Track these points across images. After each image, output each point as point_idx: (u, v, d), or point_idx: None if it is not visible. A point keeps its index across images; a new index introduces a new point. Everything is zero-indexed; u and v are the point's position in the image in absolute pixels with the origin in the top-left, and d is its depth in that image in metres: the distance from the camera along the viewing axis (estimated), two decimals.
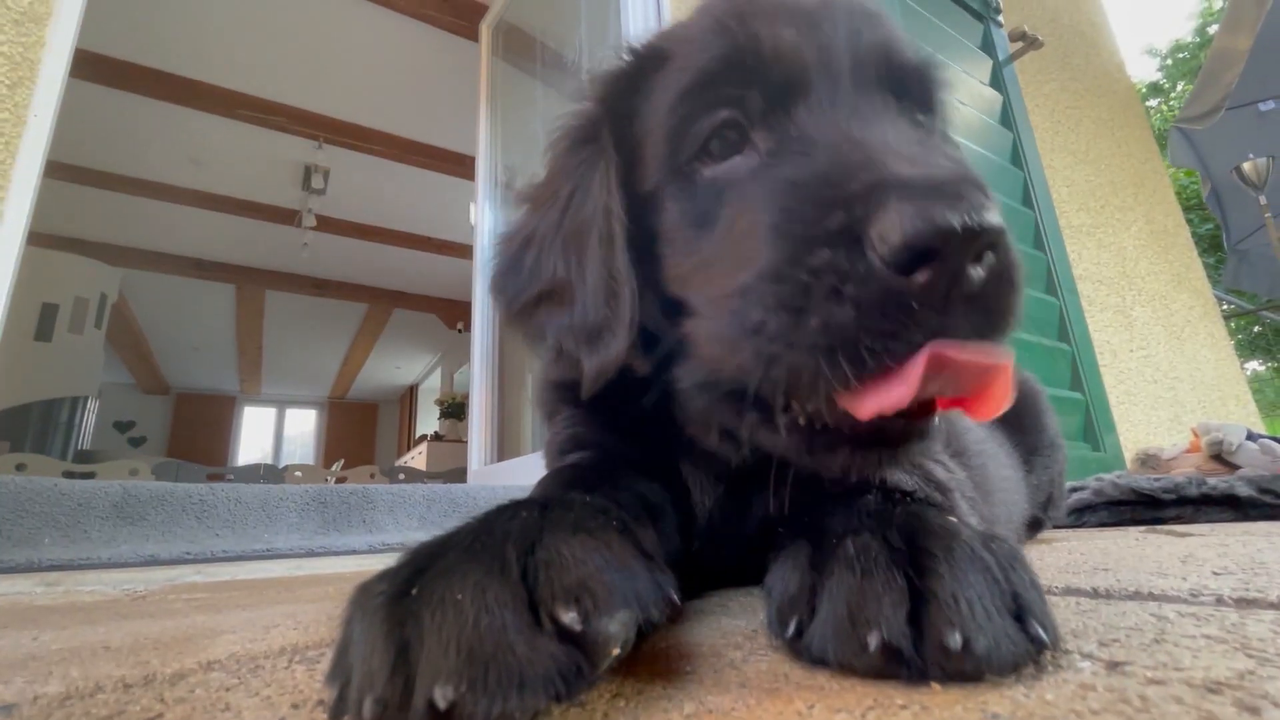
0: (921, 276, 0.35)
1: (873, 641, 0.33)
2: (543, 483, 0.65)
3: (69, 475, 3.50)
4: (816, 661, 0.37)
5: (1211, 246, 8.95)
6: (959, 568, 0.35)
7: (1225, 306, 6.22)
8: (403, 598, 0.31)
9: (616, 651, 0.33)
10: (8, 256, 1.82)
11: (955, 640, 0.32)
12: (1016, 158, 2.77)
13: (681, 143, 0.51)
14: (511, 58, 4.24)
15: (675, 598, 0.40)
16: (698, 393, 0.52)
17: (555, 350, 0.59)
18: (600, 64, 0.61)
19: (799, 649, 0.38)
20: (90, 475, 4.08)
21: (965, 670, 0.32)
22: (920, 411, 0.40)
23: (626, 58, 0.59)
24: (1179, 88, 11.91)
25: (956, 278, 0.35)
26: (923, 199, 0.34)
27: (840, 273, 0.36)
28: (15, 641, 0.64)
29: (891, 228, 0.34)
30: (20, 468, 4.00)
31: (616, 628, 0.33)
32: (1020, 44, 2.99)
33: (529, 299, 0.61)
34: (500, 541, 0.35)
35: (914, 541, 0.37)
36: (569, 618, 0.32)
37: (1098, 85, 4.18)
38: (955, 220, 0.33)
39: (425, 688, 0.27)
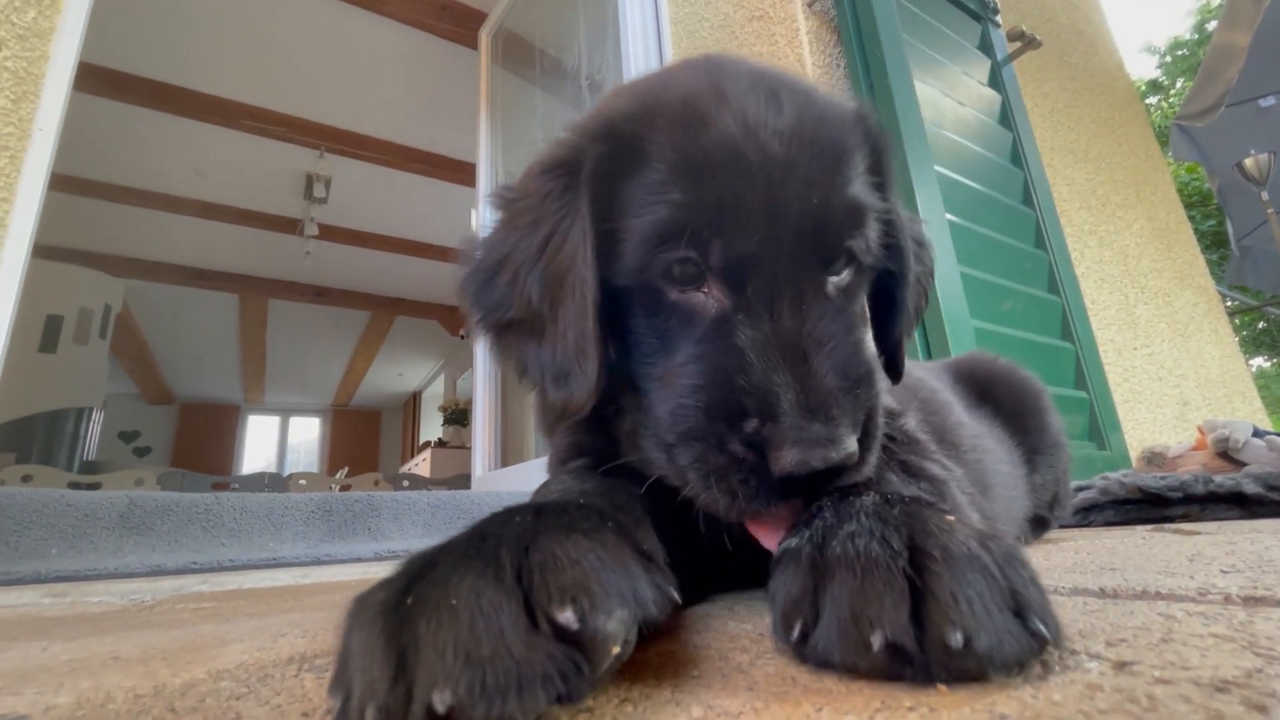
0: (791, 489, 0.50)
1: (876, 641, 0.34)
2: (541, 489, 0.66)
3: (75, 486, 3.52)
4: (822, 664, 0.37)
5: (1214, 243, 8.93)
6: (957, 566, 0.36)
7: (1229, 303, 6.20)
8: (399, 606, 0.32)
9: (616, 650, 0.33)
10: (13, 268, 1.84)
11: (957, 639, 0.32)
12: (1016, 157, 2.77)
13: (650, 263, 0.58)
14: (511, 65, 4.26)
15: (675, 596, 0.41)
16: (645, 457, 0.62)
17: (520, 373, 0.66)
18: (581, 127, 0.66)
19: (804, 652, 0.39)
20: (96, 486, 4.09)
21: (969, 668, 0.33)
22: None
23: (600, 133, 0.62)
24: (1178, 85, 11.90)
25: (819, 480, 0.50)
26: (805, 448, 0.48)
27: (742, 461, 0.51)
28: (25, 653, 0.64)
29: (785, 461, 0.48)
30: (26, 479, 4.01)
31: (615, 626, 0.33)
32: (1018, 44, 3.00)
33: (503, 320, 0.65)
34: (494, 546, 0.36)
35: (912, 541, 0.38)
36: (565, 617, 0.32)
37: (1097, 84, 4.19)
38: (820, 464, 0.48)
39: (424, 693, 0.28)
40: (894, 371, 0.79)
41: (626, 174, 0.60)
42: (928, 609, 0.34)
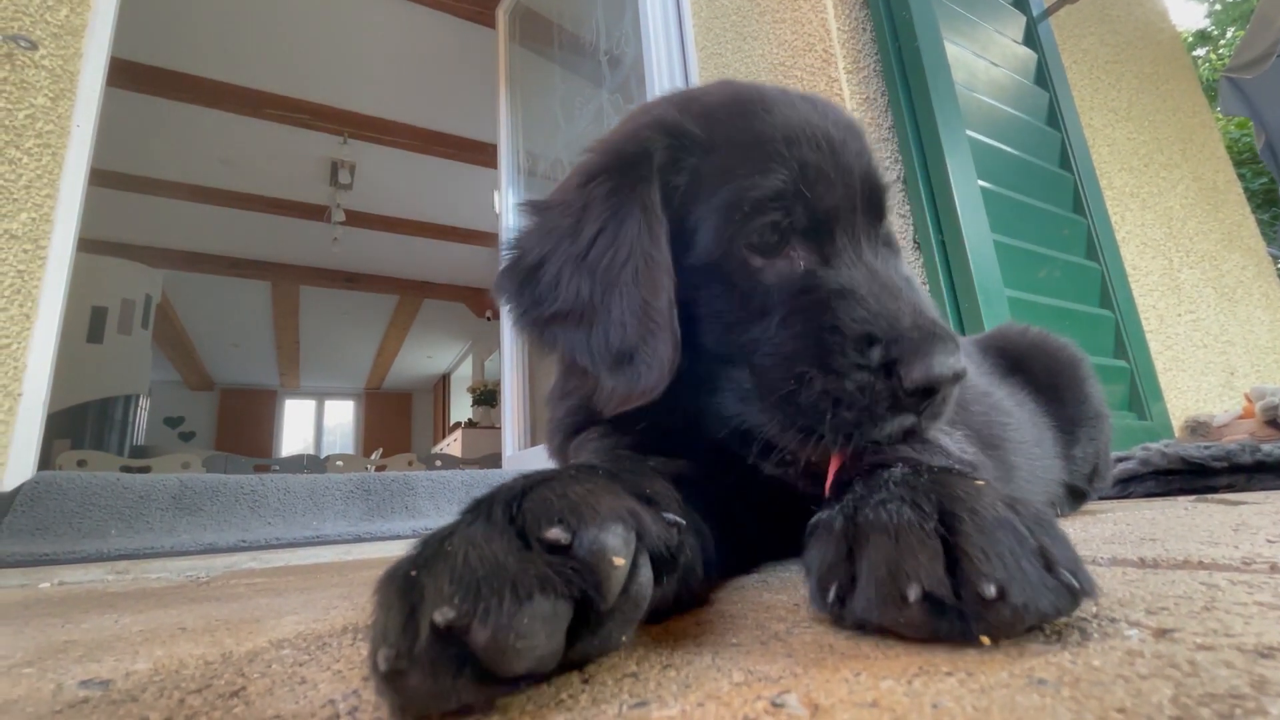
0: (925, 396, 0.55)
1: (913, 593, 0.35)
2: None
3: (126, 470, 3.68)
4: (860, 624, 0.39)
5: (1265, 202, 8.48)
6: (987, 526, 0.37)
7: None
8: (409, 573, 0.33)
9: (620, 562, 0.34)
10: (61, 261, 1.91)
11: (990, 590, 0.33)
12: (1053, 118, 2.66)
13: (737, 233, 0.62)
14: (529, 42, 4.22)
15: (675, 518, 0.43)
16: (717, 423, 0.66)
17: (568, 363, 0.68)
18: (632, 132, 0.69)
19: (842, 615, 0.40)
20: (146, 469, 4.27)
21: (1005, 618, 0.34)
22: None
23: (663, 139, 0.66)
24: (1229, 34, 11.23)
25: (939, 397, 0.56)
26: (933, 358, 0.53)
27: (872, 390, 0.55)
28: (98, 624, 0.68)
29: (920, 373, 0.53)
30: (81, 464, 4.21)
31: (613, 539, 0.34)
32: None
33: (546, 315, 0.67)
34: (489, 504, 0.38)
35: (942, 505, 0.39)
36: (553, 533, 0.34)
37: (1140, 37, 3.98)
38: (948, 371, 0.54)
39: (426, 618, 0.29)
40: None
41: (691, 166, 0.65)
42: (961, 565, 0.35)
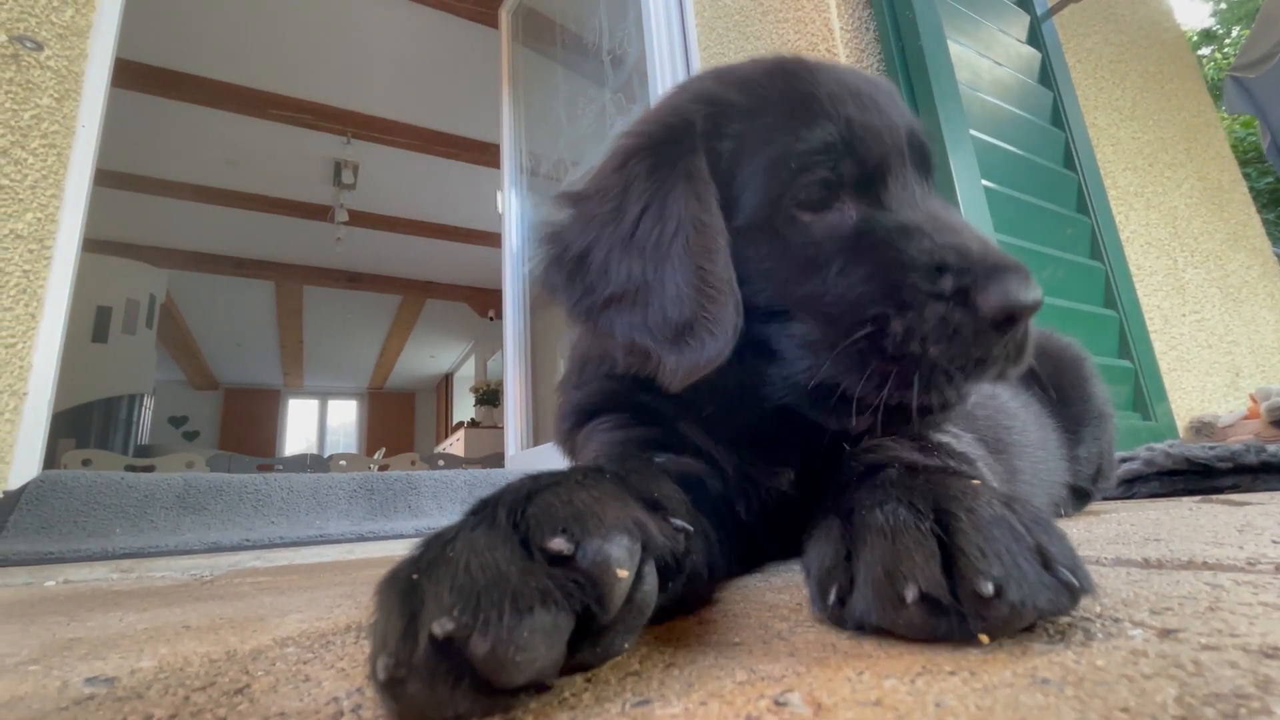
0: (1004, 327, 0.52)
1: (910, 594, 0.35)
2: None
3: (131, 469, 3.69)
4: (859, 625, 0.39)
5: (1271, 201, 8.44)
6: (983, 524, 0.37)
7: None
8: (411, 575, 0.33)
9: (623, 574, 0.33)
10: (66, 261, 1.92)
11: (988, 588, 0.33)
12: (1057, 117, 2.65)
13: (785, 191, 0.61)
14: (532, 43, 4.22)
15: (683, 525, 0.42)
16: (781, 386, 0.63)
17: (626, 347, 0.64)
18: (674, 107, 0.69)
19: (842, 616, 0.40)
20: (150, 468, 4.29)
21: (1003, 616, 0.34)
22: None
23: (704, 107, 0.66)
24: (1234, 33, 11.18)
25: (1019, 330, 0.53)
26: (1014, 282, 0.50)
27: (951, 321, 0.52)
28: (103, 622, 0.69)
29: (997, 298, 0.50)
30: (86, 463, 4.23)
31: (616, 550, 0.34)
32: None
33: (599, 300, 0.64)
34: (493, 507, 0.37)
35: (938, 505, 0.39)
36: (555, 543, 0.33)
37: (1144, 35, 3.97)
38: (1029, 298, 0.51)
39: (425, 628, 0.29)
40: None
41: (735, 131, 0.64)
42: (958, 564, 0.35)
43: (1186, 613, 0.39)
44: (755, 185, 0.62)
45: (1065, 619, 0.39)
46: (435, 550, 0.34)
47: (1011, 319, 0.51)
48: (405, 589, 0.32)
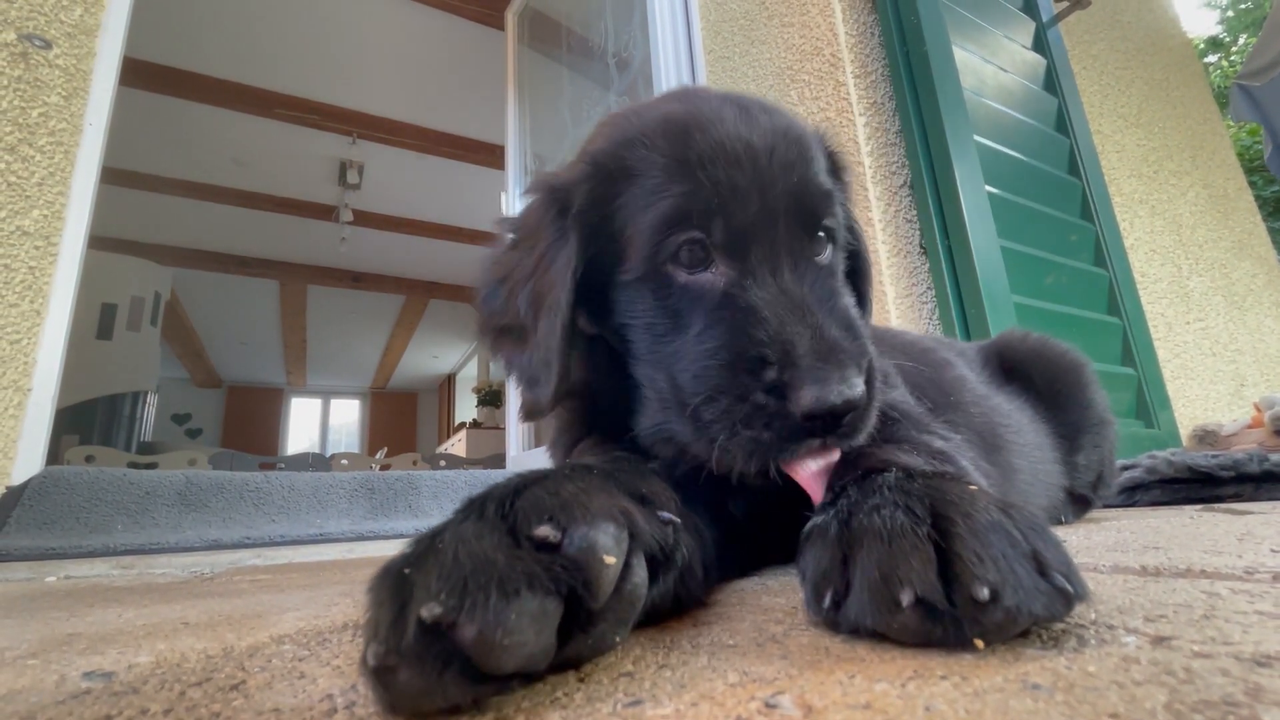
0: (815, 420, 0.54)
1: (906, 598, 0.35)
2: None
3: (134, 466, 3.71)
4: (855, 629, 0.39)
5: (1277, 210, 8.41)
6: (980, 529, 0.37)
7: None
8: (402, 570, 0.33)
9: (611, 561, 0.34)
10: (72, 259, 1.93)
11: (983, 593, 0.34)
12: (1062, 124, 2.65)
13: (660, 251, 0.64)
14: (537, 45, 4.24)
15: (673, 518, 0.44)
16: (648, 432, 0.69)
17: (506, 372, 0.75)
18: (562, 171, 0.75)
19: (837, 620, 0.40)
20: (153, 466, 4.30)
21: (998, 621, 0.34)
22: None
23: (588, 169, 0.69)
24: (1240, 41, 11.16)
25: (833, 420, 0.55)
26: (824, 385, 0.53)
27: (766, 411, 0.55)
28: (102, 618, 0.69)
29: (806, 400, 0.53)
30: (89, 459, 4.24)
31: (604, 538, 0.34)
32: (1066, 3, 2.85)
33: (499, 325, 0.74)
34: (481, 502, 0.38)
35: (935, 510, 0.39)
36: (542, 530, 0.34)
37: (1150, 43, 3.96)
38: (838, 399, 0.53)
39: (412, 616, 0.29)
40: None
41: (618, 194, 0.67)
42: (954, 568, 0.35)
43: (1181, 620, 0.39)
44: (639, 242, 0.65)
45: (1059, 625, 0.39)
46: (425, 544, 0.34)
47: (825, 414, 0.53)
48: (396, 582, 0.32)
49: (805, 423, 0.54)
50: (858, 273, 0.82)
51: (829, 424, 0.54)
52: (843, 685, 0.31)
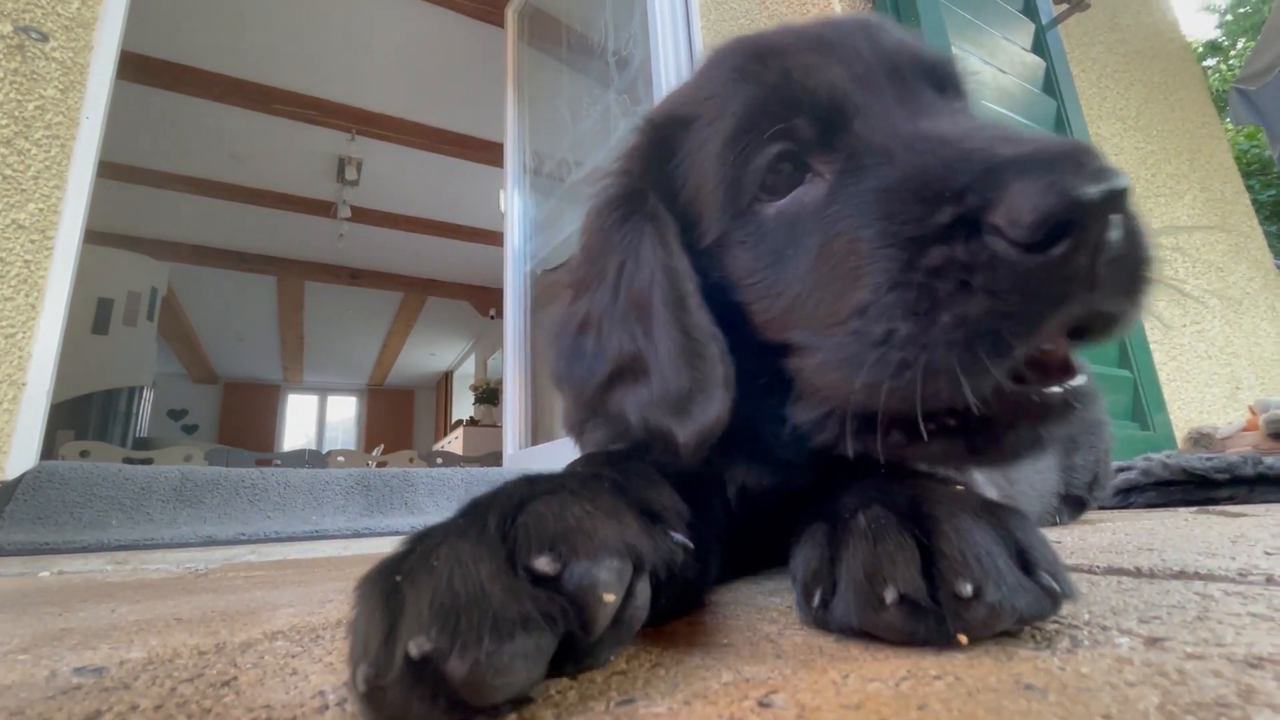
0: (1060, 250, 0.34)
1: (889, 596, 0.35)
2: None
3: (129, 461, 3.69)
4: (841, 628, 0.39)
5: (1274, 214, 8.44)
6: (964, 528, 0.37)
7: None
8: (393, 576, 0.32)
9: (609, 598, 0.32)
10: (68, 253, 1.92)
11: (966, 589, 0.34)
12: (1060, 126, 2.65)
13: (739, 187, 0.50)
14: (537, 42, 4.23)
15: (685, 542, 0.39)
16: (819, 427, 0.49)
17: (642, 428, 0.55)
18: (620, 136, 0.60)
19: (826, 619, 0.40)
20: (149, 461, 4.29)
21: (981, 618, 0.34)
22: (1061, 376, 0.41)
23: (645, 130, 0.58)
24: (1239, 45, 11.20)
25: (1097, 247, 0.34)
26: (1046, 174, 0.33)
27: (963, 264, 0.36)
28: (95, 614, 0.69)
29: (1021, 208, 0.33)
30: (84, 454, 4.23)
31: (604, 573, 0.32)
32: (1065, 6, 2.85)
33: (600, 381, 0.57)
34: (483, 512, 0.36)
35: (920, 509, 0.39)
36: (540, 562, 0.32)
37: (1149, 46, 3.97)
38: (1089, 189, 0.32)
39: (401, 645, 0.28)
40: None
41: (675, 151, 0.56)
42: (938, 566, 0.35)
43: (1174, 622, 0.39)
44: (706, 191, 0.52)
45: (1053, 625, 0.39)
46: (420, 554, 0.33)
47: (1058, 231, 0.33)
48: (387, 591, 0.31)
49: (1042, 258, 0.34)
50: None
51: (1070, 256, 0.34)
52: (836, 685, 0.31)
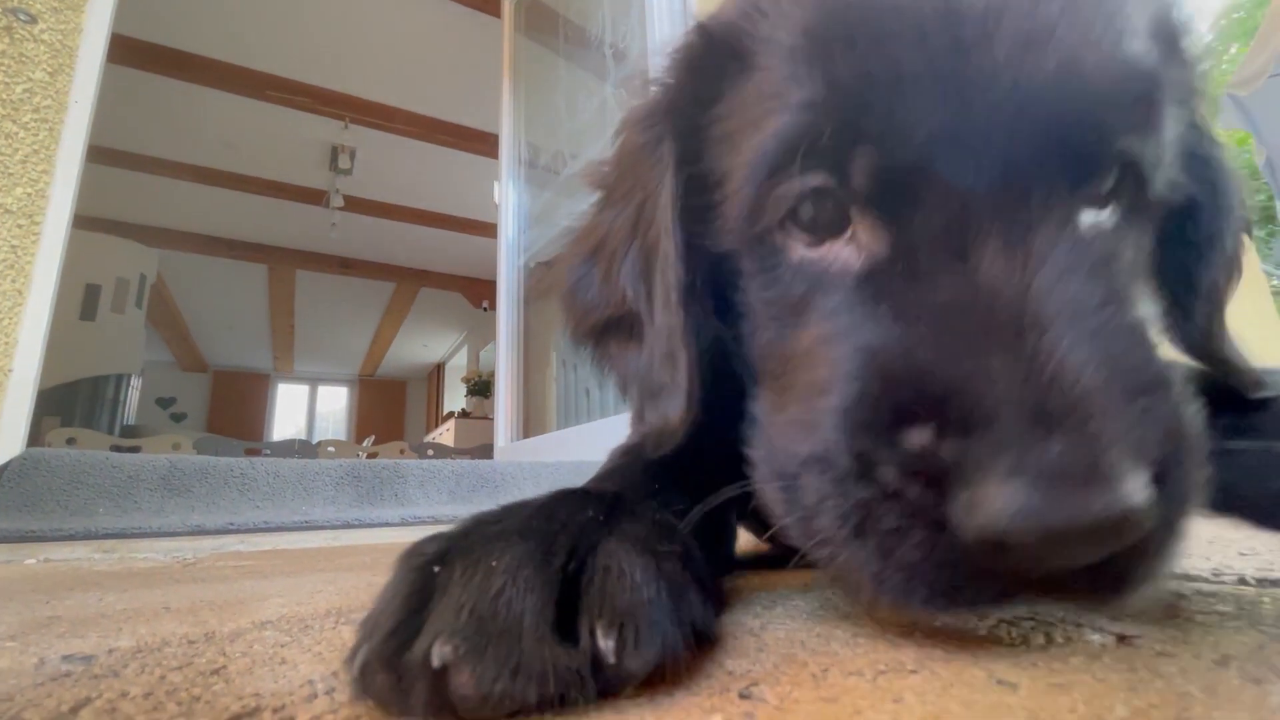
0: (1013, 560, 0.28)
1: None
2: (616, 462, 0.58)
3: (116, 449, 3.67)
4: None
5: (1262, 219, 8.54)
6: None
7: (1275, 282, 5.96)
8: (442, 558, 0.32)
9: (627, 689, 0.31)
10: (55, 238, 1.90)
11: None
12: None
13: (761, 207, 0.41)
14: (534, 33, 4.20)
15: (710, 631, 0.37)
16: (767, 483, 0.44)
17: (621, 388, 0.53)
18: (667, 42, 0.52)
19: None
20: (136, 449, 4.26)
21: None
22: None
23: (698, 41, 0.47)
24: (1232, 50, 11.28)
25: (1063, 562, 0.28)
26: (1036, 486, 0.26)
27: (914, 508, 0.31)
28: (83, 602, 0.69)
29: (986, 506, 0.27)
30: (71, 441, 4.19)
31: (638, 665, 0.30)
32: None
33: (598, 321, 0.53)
34: (556, 530, 0.34)
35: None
36: (606, 645, 0.29)
37: None
38: (1063, 519, 0.26)
39: (427, 641, 0.27)
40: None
41: (722, 94, 0.44)
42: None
43: (1146, 620, 0.40)
44: (736, 189, 0.42)
45: (1029, 623, 0.40)
46: (475, 543, 0.32)
47: (1023, 548, 0.27)
48: (424, 573, 0.31)
49: (984, 557, 0.28)
50: (1203, 237, 0.49)
51: (1049, 560, 0.28)
52: (816, 678, 0.32)
